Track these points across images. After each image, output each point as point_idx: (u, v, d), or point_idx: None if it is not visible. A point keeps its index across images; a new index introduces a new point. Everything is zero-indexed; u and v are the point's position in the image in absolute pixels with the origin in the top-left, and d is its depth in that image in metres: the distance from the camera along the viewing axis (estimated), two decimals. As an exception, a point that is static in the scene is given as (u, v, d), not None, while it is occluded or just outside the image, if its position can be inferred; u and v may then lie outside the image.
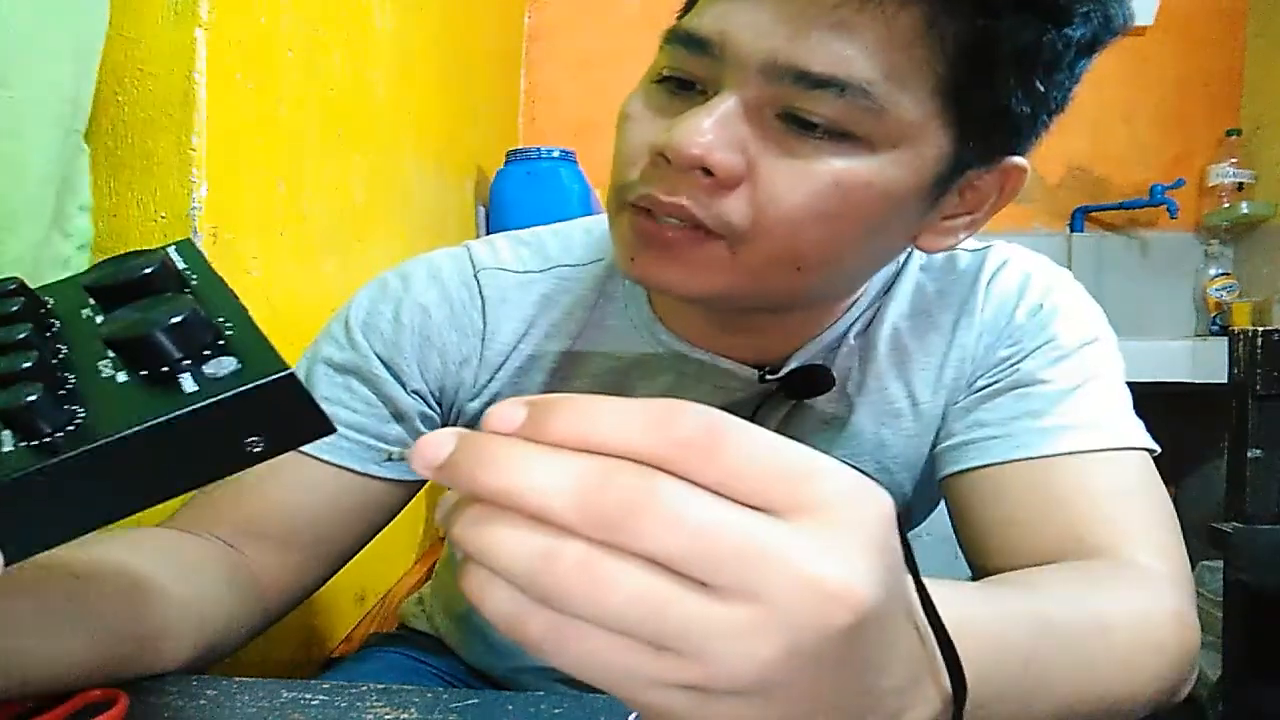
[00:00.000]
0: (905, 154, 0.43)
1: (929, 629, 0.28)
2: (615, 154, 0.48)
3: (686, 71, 0.45)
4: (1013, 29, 0.41)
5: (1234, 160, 1.80)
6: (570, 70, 2.06)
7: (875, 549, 0.22)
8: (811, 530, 0.21)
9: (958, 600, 0.30)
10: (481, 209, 1.66)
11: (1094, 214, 1.93)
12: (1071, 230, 1.92)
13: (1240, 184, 1.80)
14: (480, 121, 1.70)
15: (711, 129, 0.42)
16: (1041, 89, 0.44)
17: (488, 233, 1.63)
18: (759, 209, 0.43)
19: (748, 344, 0.56)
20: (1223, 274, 1.83)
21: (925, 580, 0.27)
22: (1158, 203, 1.83)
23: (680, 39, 0.44)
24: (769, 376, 0.56)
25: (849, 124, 0.42)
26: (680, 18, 0.48)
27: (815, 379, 0.56)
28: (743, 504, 0.21)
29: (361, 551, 0.60)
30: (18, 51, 0.54)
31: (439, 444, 0.23)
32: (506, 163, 1.58)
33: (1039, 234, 1.92)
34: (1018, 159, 0.48)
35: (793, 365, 0.56)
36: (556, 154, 1.56)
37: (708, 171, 0.42)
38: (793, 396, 0.57)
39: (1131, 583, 0.46)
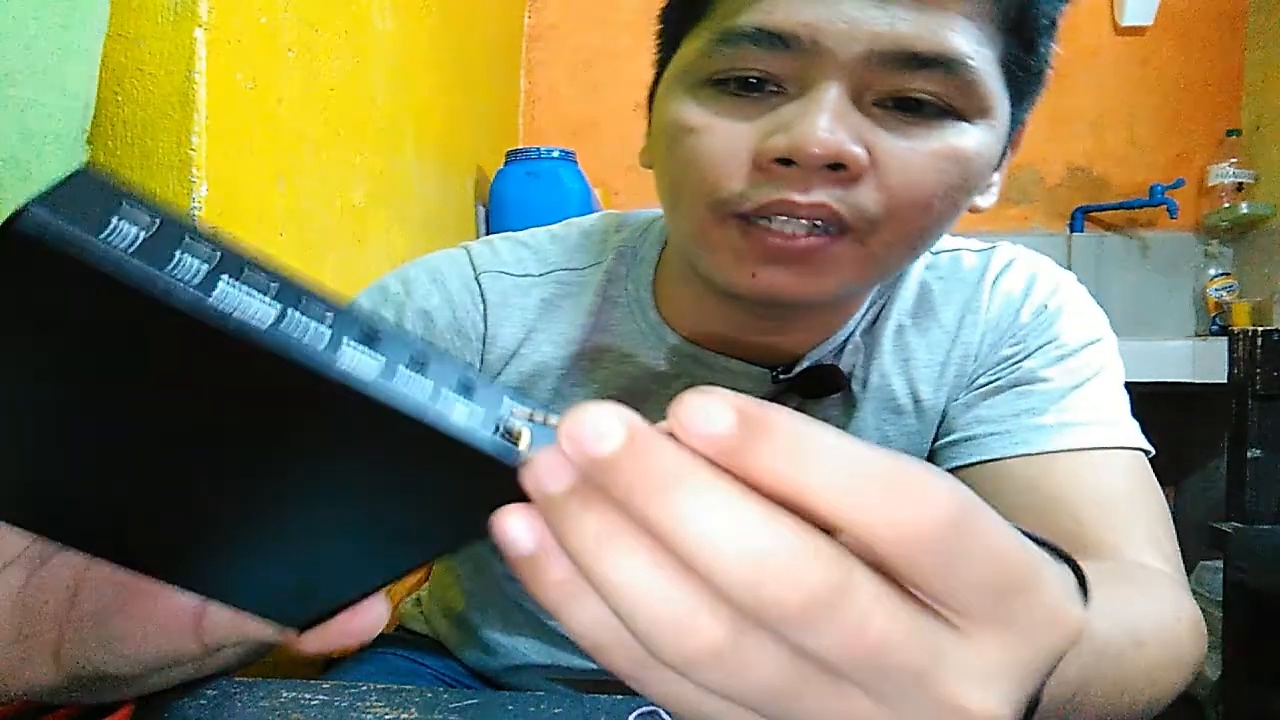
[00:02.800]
0: (992, 121, 0.45)
1: None
2: (688, 167, 0.46)
3: (760, 70, 0.43)
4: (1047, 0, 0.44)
5: (1234, 160, 1.80)
6: (570, 70, 2.06)
7: (1036, 675, 0.20)
8: (987, 650, 0.19)
9: None
10: (481, 209, 1.66)
11: (1094, 214, 1.93)
12: (1071, 230, 1.92)
13: (1240, 184, 1.80)
14: (480, 121, 1.70)
15: (832, 124, 0.41)
16: (1055, 49, 0.47)
17: (488, 233, 1.64)
18: (891, 194, 0.43)
19: (762, 345, 0.56)
20: (1223, 274, 1.83)
21: None
22: (1158, 203, 1.83)
23: (749, 37, 0.42)
24: (782, 376, 0.56)
25: (952, 99, 0.43)
26: (689, 16, 0.46)
27: (827, 378, 0.56)
28: (933, 606, 0.18)
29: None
30: (24, 50, 0.54)
31: (600, 431, 0.18)
32: (506, 163, 1.58)
33: (1039, 234, 1.92)
34: (1027, 115, 0.51)
35: (805, 365, 0.56)
36: (556, 154, 1.56)
37: (835, 167, 0.42)
38: (805, 396, 0.57)
39: (1154, 592, 0.46)
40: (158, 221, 0.16)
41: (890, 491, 0.17)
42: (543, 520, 0.19)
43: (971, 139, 0.44)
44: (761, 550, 0.17)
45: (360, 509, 0.23)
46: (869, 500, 0.17)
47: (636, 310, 0.58)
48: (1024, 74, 0.46)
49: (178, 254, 0.16)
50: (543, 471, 0.19)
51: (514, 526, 0.20)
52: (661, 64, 0.50)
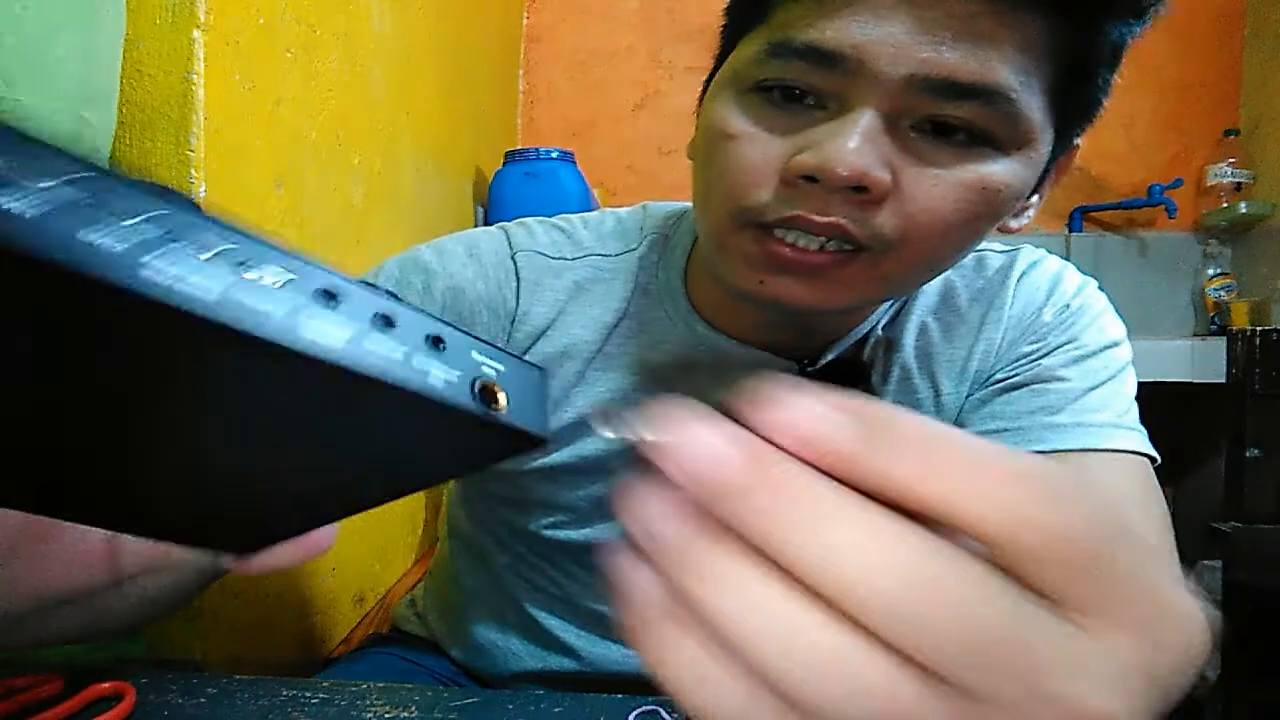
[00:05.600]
0: (1030, 153, 0.45)
1: None
2: (720, 172, 0.47)
3: (804, 84, 0.44)
4: (1112, 30, 0.44)
5: (1232, 160, 1.80)
6: (569, 71, 2.06)
7: (1164, 684, 0.18)
8: (1117, 651, 0.17)
9: None
10: (480, 209, 1.66)
11: (1092, 214, 1.93)
12: (1070, 230, 1.92)
13: (1238, 184, 1.80)
14: (479, 122, 1.70)
15: (861, 147, 0.41)
16: (1114, 79, 0.47)
17: (487, 233, 1.64)
18: (909, 219, 0.44)
19: (789, 339, 0.56)
20: (1221, 274, 1.83)
21: None
22: (1156, 202, 1.83)
23: (799, 52, 0.43)
24: (809, 369, 0.57)
25: (990, 129, 0.43)
26: (748, 22, 0.47)
27: (852, 371, 0.57)
28: (1048, 595, 0.17)
29: (361, 554, 0.60)
30: (26, 55, 0.54)
31: (715, 455, 0.17)
32: (505, 163, 1.58)
33: (1037, 234, 1.92)
34: (1078, 139, 0.51)
35: (829, 358, 0.57)
36: (555, 154, 1.56)
37: (858, 189, 0.42)
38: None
39: None
40: (91, 170, 0.14)
41: (1020, 491, 0.16)
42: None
43: (1004, 171, 0.44)
44: (913, 575, 0.16)
45: (318, 454, 0.22)
46: (1001, 501, 0.16)
47: (667, 297, 0.58)
48: (1076, 105, 0.45)
49: (104, 219, 0.14)
50: (652, 513, 0.18)
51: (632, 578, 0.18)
52: (718, 62, 0.50)
